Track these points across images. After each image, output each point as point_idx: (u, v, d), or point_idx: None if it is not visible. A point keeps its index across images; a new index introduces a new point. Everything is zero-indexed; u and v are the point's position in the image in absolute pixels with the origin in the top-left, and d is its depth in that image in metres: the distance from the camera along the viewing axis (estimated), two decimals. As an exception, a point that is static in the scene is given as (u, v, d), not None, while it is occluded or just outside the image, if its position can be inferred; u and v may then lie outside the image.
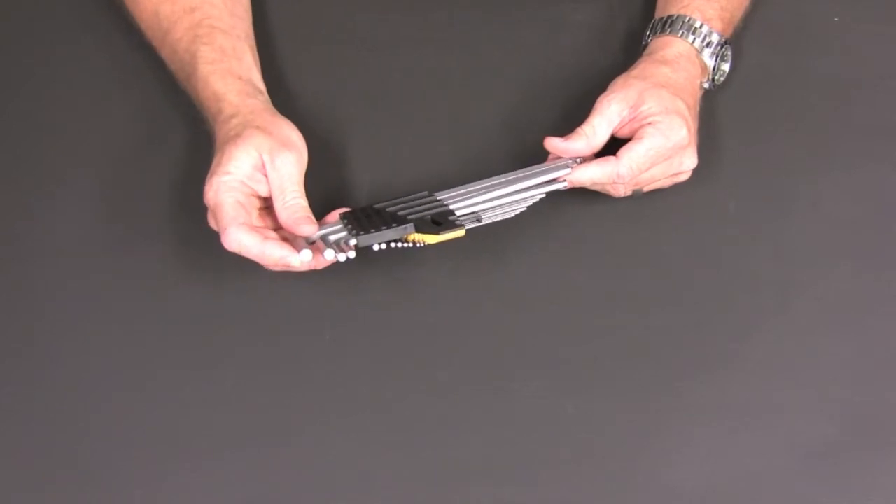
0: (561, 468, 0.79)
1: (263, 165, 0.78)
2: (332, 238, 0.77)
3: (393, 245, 0.77)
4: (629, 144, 0.82)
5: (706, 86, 0.89)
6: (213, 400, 0.80)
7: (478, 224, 0.79)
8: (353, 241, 0.76)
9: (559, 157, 0.84)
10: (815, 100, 0.93)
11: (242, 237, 0.76)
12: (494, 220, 0.80)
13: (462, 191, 0.81)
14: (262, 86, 0.86)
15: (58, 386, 0.81)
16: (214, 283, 0.84)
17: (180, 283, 0.84)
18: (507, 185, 0.81)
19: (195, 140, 0.88)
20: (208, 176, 0.78)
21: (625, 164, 0.81)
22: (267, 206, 0.80)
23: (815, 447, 0.79)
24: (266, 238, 0.76)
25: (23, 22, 0.96)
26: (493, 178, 0.82)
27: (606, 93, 0.84)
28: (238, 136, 0.79)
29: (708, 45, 0.87)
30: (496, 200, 0.81)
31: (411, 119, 0.92)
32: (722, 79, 0.90)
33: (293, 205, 0.78)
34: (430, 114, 0.92)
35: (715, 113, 0.92)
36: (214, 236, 0.78)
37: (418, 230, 0.77)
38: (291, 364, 0.82)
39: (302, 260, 0.75)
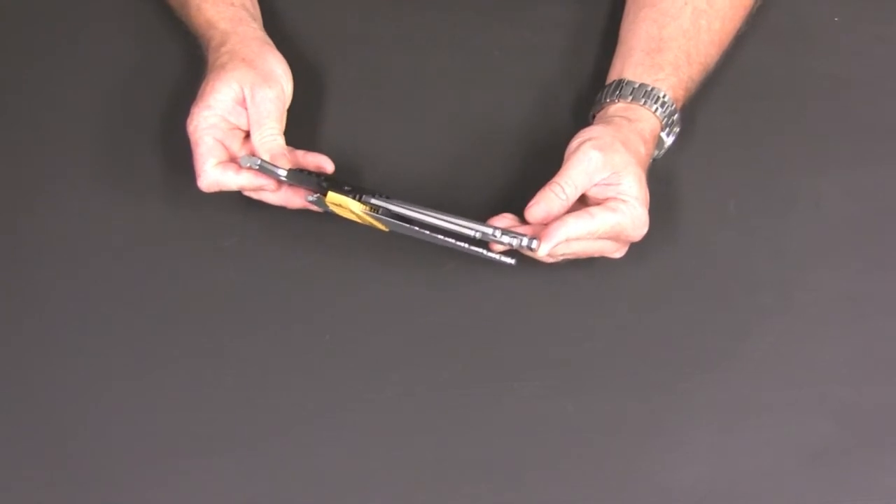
0: (561, 468, 0.79)
1: (244, 99, 0.81)
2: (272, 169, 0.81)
3: (312, 201, 0.81)
4: (601, 208, 0.77)
5: (651, 160, 0.85)
6: (211, 400, 0.80)
7: (376, 214, 0.78)
8: (282, 172, 0.81)
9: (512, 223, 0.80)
10: (815, 100, 0.93)
11: (218, 177, 0.81)
12: (399, 229, 0.79)
13: (413, 207, 0.79)
14: (255, 10, 0.89)
15: (52, 383, 0.81)
16: (214, 286, 0.84)
17: (178, 283, 0.84)
18: (451, 224, 0.78)
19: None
20: (192, 106, 0.81)
21: (599, 228, 0.77)
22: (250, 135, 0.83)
23: (815, 447, 0.79)
24: (240, 170, 0.81)
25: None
26: (451, 216, 0.78)
27: (590, 141, 0.78)
28: (222, 67, 0.82)
29: (670, 124, 0.84)
30: (429, 217, 0.78)
31: (412, 118, 0.92)
32: (661, 154, 0.87)
33: (269, 141, 0.81)
34: (432, 114, 0.92)
35: (715, 113, 0.92)
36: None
37: (332, 189, 0.79)
38: (291, 364, 0.82)
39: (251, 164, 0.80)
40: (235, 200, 0.85)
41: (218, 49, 0.84)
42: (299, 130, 0.86)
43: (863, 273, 0.86)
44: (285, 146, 0.82)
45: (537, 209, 0.77)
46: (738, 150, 0.91)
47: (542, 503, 0.78)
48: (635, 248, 0.85)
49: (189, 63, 0.92)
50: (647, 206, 0.79)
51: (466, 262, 0.82)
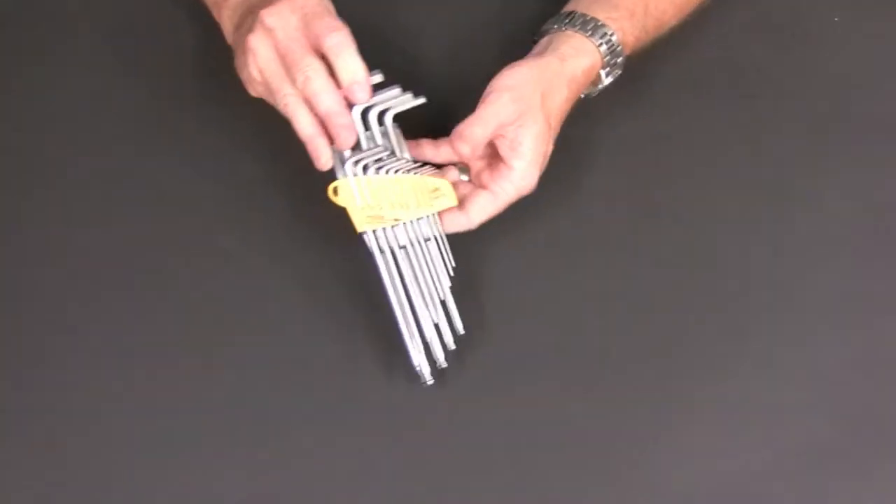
0: (561, 468, 0.79)
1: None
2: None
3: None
4: (480, 198, 0.80)
5: (582, 97, 0.86)
6: (211, 400, 0.80)
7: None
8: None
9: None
10: (815, 100, 0.93)
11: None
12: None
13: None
14: None
15: (52, 383, 0.81)
16: (214, 286, 0.84)
17: (179, 283, 0.84)
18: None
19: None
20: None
21: (475, 221, 0.81)
22: None
23: (815, 447, 0.79)
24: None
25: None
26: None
27: (508, 92, 0.79)
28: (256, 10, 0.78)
29: (612, 64, 0.85)
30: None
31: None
32: (595, 93, 0.87)
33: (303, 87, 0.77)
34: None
35: (715, 112, 0.92)
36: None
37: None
38: (292, 364, 0.82)
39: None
40: (235, 200, 0.85)
41: (236, 8, 0.82)
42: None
43: (863, 273, 0.86)
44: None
45: (462, 143, 0.79)
46: (738, 149, 0.91)
47: (542, 503, 0.78)
48: (635, 248, 0.85)
49: (191, 62, 0.92)
50: (544, 161, 0.81)
51: (466, 261, 0.82)
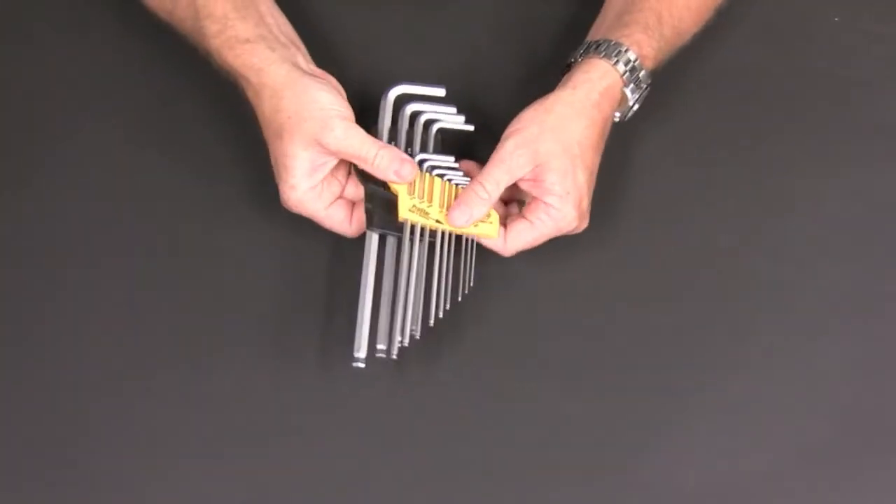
0: (561, 468, 0.79)
1: (320, 153, 0.78)
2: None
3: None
4: (518, 225, 0.81)
5: (616, 118, 0.86)
6: (211, 400, 0.80)
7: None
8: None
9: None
10: (815, 100, 0.93)
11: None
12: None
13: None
14: (277, 29, 0.83)
15: (52, 383, 0.81)
16: (215, 286, 0.84)
17: (179, 283, 0.84)
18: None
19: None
20: (279, 187, 0.79)
21: (510, 248, 0.81)
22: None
23: (815, 447, 0.79)
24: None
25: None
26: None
27: (512, 137, 0.80)
28: (280, 139, 0.78)
29: (635, 80, 0.84)
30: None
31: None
32: (630, 115, 0.87)
33: (379, 163, 0.79)
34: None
35: (715, 112, 0.92)
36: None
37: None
38: (291, 364, 0.82)
39: None
40: (236, 201, 0.85)
41: (261, 97, 0.80)
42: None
43: (863, 273, 0.86)
44: (393, 151, 0.79)
45: (459, 215, 0.79)
46: (737, 149, 0.91)
47: (542, 503, 0.78)
48: (635, 248, 0.85)
49: (192, 61, 0.91)
50: (580, 194, 0.80)
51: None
